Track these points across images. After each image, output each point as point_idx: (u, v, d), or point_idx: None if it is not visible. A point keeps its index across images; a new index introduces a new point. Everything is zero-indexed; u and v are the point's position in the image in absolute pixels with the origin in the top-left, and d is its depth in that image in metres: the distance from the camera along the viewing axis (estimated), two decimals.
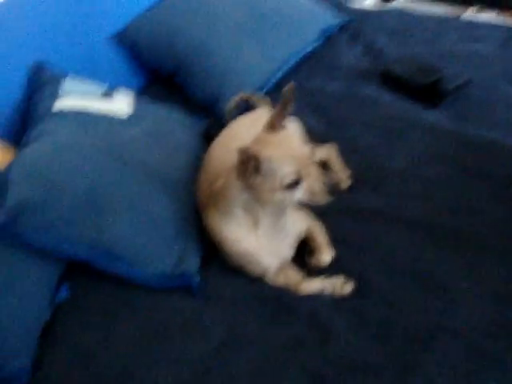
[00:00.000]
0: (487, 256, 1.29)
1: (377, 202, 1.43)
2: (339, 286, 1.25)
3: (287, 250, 1.32)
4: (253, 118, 1.61)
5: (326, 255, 1.31)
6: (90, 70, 1.84)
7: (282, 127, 1.19)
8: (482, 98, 1.73)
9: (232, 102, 1.77)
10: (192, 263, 1.34)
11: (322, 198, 1.14)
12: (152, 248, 1.33)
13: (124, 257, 1.30)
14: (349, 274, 1.28)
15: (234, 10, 1.96)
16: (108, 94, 1.61)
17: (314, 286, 1.28)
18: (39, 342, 1.25)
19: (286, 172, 1.10)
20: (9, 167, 1.34)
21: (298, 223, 1.34)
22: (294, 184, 1.12)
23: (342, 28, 2.16)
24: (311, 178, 1.13)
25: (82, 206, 1.29)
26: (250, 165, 1.10)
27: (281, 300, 1.26)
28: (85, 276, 1.37)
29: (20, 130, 1.56)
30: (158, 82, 2.02)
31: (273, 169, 1.10)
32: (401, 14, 2.27)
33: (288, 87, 1.16)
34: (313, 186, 1.13)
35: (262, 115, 1.60)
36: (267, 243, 1.27)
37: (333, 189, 1.13)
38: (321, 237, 1.35)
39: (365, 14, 2.27)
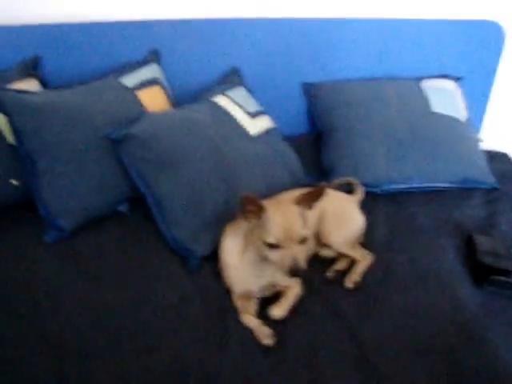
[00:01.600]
0: None
1: (349, 311, 1.51)
2: (263, 335, 1.41)
3: (255, 286, 1.52)
4: (336, 196, 1.82)
5: (277, 311, 1.47)
6: (275, 99, 2.26)
7: (308, 207, 1.42)
8: None
9: (340, 181, 1.99)
10: (201, 248, 1.64)
11: (285, 272, 1.33)
12: (185, 219, 1.66)
13: (163, 211, 1.67)
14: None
15: (394, 114, 2.12)
16: (255, 114, 1.99)
17: (249, 321, 1.46)
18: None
19: (272, 234, 1.34)
20: (153, 112, 1.82)
21: (281, 278, 1.52)
22: (273, 247, 1.35)
23: (488, 190, 2.14)
24: (288, 252, 1.34)
25: (162, 162, 1.68)
26: (254, 209, 1.37)
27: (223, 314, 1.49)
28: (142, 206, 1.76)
29: None
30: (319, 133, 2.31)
31: (266, 223, 1.35)
32: None
33: (323, 185, 1.41)
34: (284, 259, 1.34)
35: (344, 200, 1.81)
36: (242, 270, 1.50)
37: (295, 271, 1.32)
38: (288, 298, 1.51)
39: None
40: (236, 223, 1.56)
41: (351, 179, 1.97)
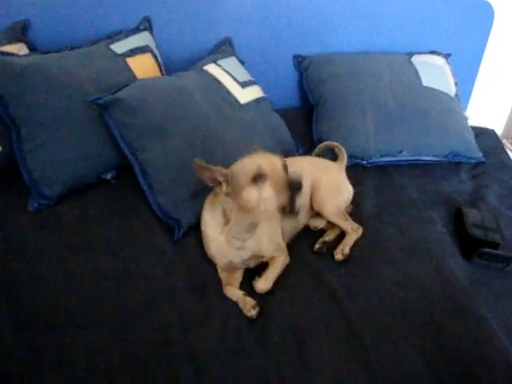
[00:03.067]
0: None
1: (337, 284, 1.35)
2: (248, 306, 1.26)
3: (237, 258, 1.35)
4: (328, 165, 1.66)
5: (262, 285, 1.32)
6: (266, 71, 2.09)
7: None
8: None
9: (320, 147, 1.79)
10: (186, 217, 1.47)
11: (285, 198, 1.14)
12: (172, 188, 1.50)
13: (150, 179, 1.50)
14: None
15: (385, 87, 1.95)
16: (245, 83, 1.81)
17: (233, 293, 1.32)
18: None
19: (249, 169, 1.16)
20: (142, 78, 1.64)
21: (266, 248, 1.37)
22: (259, 179, 1.15)
23: (475, 164, 1.99)
24: (276, 173, 1.15)
25: (149, 129, 1.51)
26: (212, 176, 1.22)
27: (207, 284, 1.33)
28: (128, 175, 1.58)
29: None
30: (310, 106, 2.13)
31: (237, 173, 1.18)
32: None
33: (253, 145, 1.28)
34: (277, 181, 1.14)
35: (335, 169, 1.65)
36: (223, 243, 1.33)
37: (295, 186, 1.13)
38: (273, 270, 1.35)
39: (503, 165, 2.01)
40: (213, 195, 1.38)
41: (331, 143, 1.76)
